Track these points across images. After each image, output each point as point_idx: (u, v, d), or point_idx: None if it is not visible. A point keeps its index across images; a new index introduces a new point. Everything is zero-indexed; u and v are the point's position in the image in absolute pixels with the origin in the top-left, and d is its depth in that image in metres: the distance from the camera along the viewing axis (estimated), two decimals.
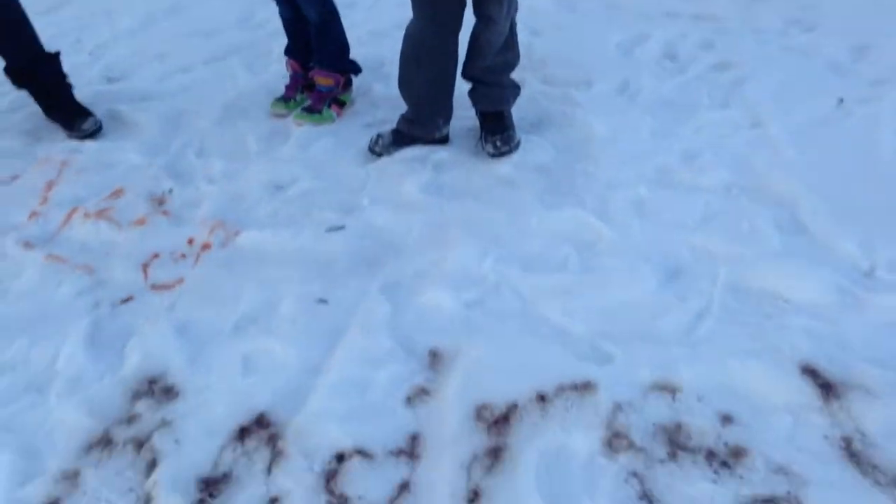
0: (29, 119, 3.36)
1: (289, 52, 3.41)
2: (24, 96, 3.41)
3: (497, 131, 2.98)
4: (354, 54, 3.41)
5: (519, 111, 3.14)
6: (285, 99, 3.38)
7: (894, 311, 2.20)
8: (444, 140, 3.09)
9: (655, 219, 2.63)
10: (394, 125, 3.10)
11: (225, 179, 2.96)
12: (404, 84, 2.98)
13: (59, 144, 3.20)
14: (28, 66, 3.22)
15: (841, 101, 3.15)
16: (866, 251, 2.40)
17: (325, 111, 3.29)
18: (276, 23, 3.54)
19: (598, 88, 3.40)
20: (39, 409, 2.10)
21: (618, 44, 3.80)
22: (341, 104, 3.36)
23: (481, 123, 3.05)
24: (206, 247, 2.64)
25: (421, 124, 3.03)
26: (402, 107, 3.11)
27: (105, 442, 2.00)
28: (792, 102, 3.18)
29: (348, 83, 3.40)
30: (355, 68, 3.39)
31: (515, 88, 3.03)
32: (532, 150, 3.02)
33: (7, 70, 3.24)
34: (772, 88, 3.30)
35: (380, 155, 3.04)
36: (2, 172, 3.05)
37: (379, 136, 3.08)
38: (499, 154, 2.97)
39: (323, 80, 3.28)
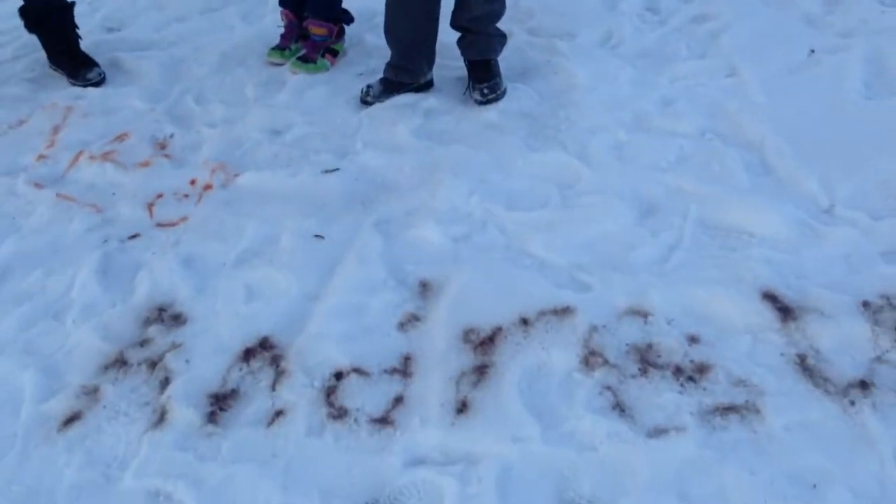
0: (32, 67, 3.48)
1: (283, 2, 3.52)
2: (25, 45, 3.52)
3: (485, 79, 3.12)
4: (346, 5, 3.52)
5: (505, 61, 3.27)
6: (280, 48, 3.50)
7: (849, 243, 2.38)
8: (429, 84, 3.24)
9: (632, 161, 2.79)
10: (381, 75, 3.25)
11: (224, 124, 3.09)
12: (390, 30, 3.12)
13: (63, 91, 3.32)
14: (45, 10, 3.31)
15: (812, 51, 3.29)
16: (826, 189, 2.58)
17: (320, 60, 3.42)
18: None
19: (581, 39, 3.53)
20: (57, 334, 2.26)
21: None
22: (335, 53, 3.49)
23: (469, 72, 3.19)
24: (207, 187, 2.78)
25: (406, 70, 3.17)
26: None
27: (120, 363, 2.17)
28: (766, 53, 3.32)
29: (341, 32, 3.53)
30: (348, 18, 3.51)
31: (502, 38, 3.16)
32: (517, 97, 3.17)
33: (22, 10, 3.34)
34: (748, 39, 3.44)
35: (371, 104, 3.18)
36: (9, 117, 3.18)
37: (369, 86, 3.22)
38: (486, 101, 3.11)
39: (317, 29, 3.40)
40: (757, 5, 3.73)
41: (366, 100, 3.20)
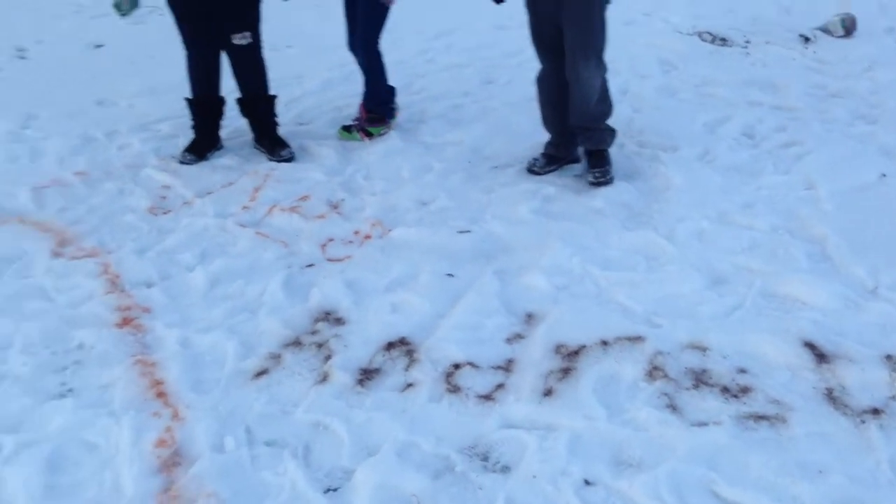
0: (242, 146, 4.49)
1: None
2: (237, 129, 4.55)
3: (598, 165, 3.88)
4: (492, 122, 4.45)
5: (616, 165, 3.98)
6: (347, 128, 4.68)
7: (885, 315, 2.87)
8: (578, 159, 4.07)
9: (711, 244, 3.38)
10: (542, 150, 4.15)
11: (384, 195, 3.92)
12: (545, 120, 4.06)
13: (263, 164, 4.27)
14: (254, 101, 4.33)
15: (883, 175, 3.84)
16: (873, 275, 3.08)
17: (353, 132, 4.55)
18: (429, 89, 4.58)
19: (682, 153, 4.21)
20: (252, 322, 3.02)
21: (704, 122, 4.61)
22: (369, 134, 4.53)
23: (587, 160, 3.96)
24: (367, 237, 3.57)
25: (561, 146, 4.05)
26: (523, 158, 4.15)
27: (297, 343, 2.90)
28: (842, 174, 3.89)
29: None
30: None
31: (612, 132, 3.94)
32: (622, 191, 3.85)
33: (239, 101, 4.37)
34: (828, 162, 4.02)
35: (538, 174, 4.04)
36: (222, 180, 4.13)
37: (535, 159, 4.10)
38: (598, 183, 3.85)
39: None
40: (841, 137, 4.33)
41: (533, 169, 4.07)
